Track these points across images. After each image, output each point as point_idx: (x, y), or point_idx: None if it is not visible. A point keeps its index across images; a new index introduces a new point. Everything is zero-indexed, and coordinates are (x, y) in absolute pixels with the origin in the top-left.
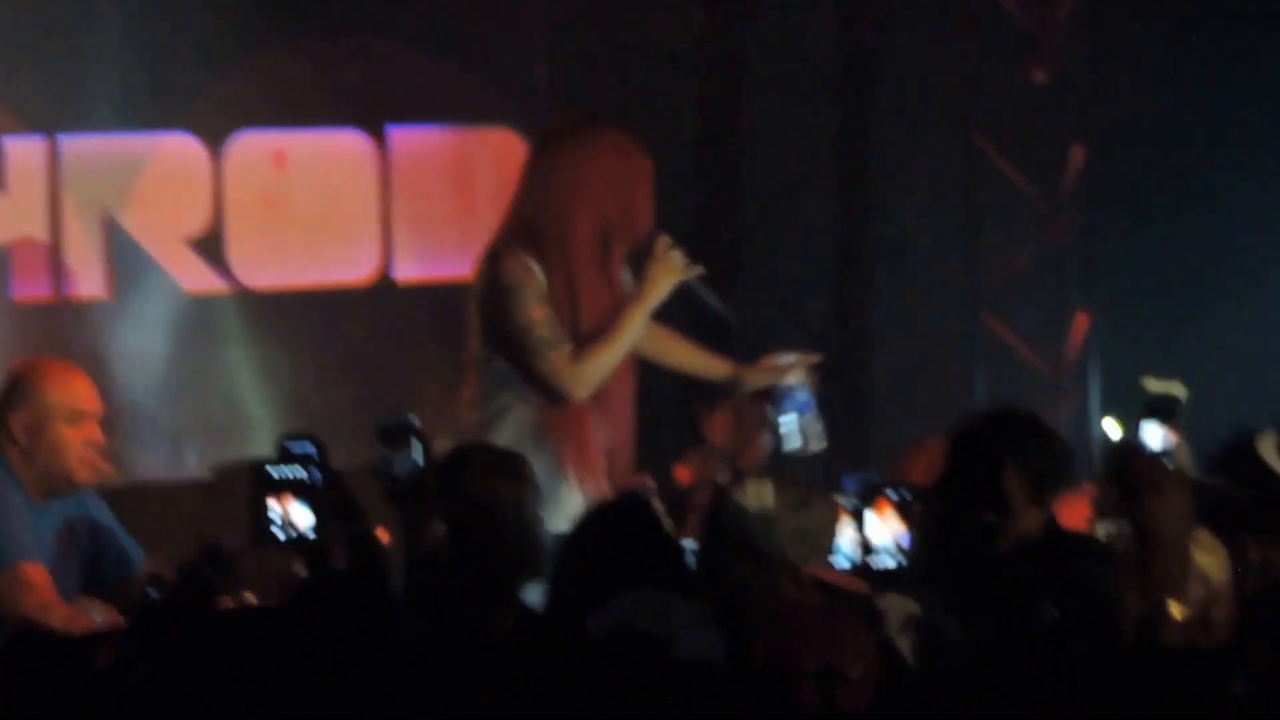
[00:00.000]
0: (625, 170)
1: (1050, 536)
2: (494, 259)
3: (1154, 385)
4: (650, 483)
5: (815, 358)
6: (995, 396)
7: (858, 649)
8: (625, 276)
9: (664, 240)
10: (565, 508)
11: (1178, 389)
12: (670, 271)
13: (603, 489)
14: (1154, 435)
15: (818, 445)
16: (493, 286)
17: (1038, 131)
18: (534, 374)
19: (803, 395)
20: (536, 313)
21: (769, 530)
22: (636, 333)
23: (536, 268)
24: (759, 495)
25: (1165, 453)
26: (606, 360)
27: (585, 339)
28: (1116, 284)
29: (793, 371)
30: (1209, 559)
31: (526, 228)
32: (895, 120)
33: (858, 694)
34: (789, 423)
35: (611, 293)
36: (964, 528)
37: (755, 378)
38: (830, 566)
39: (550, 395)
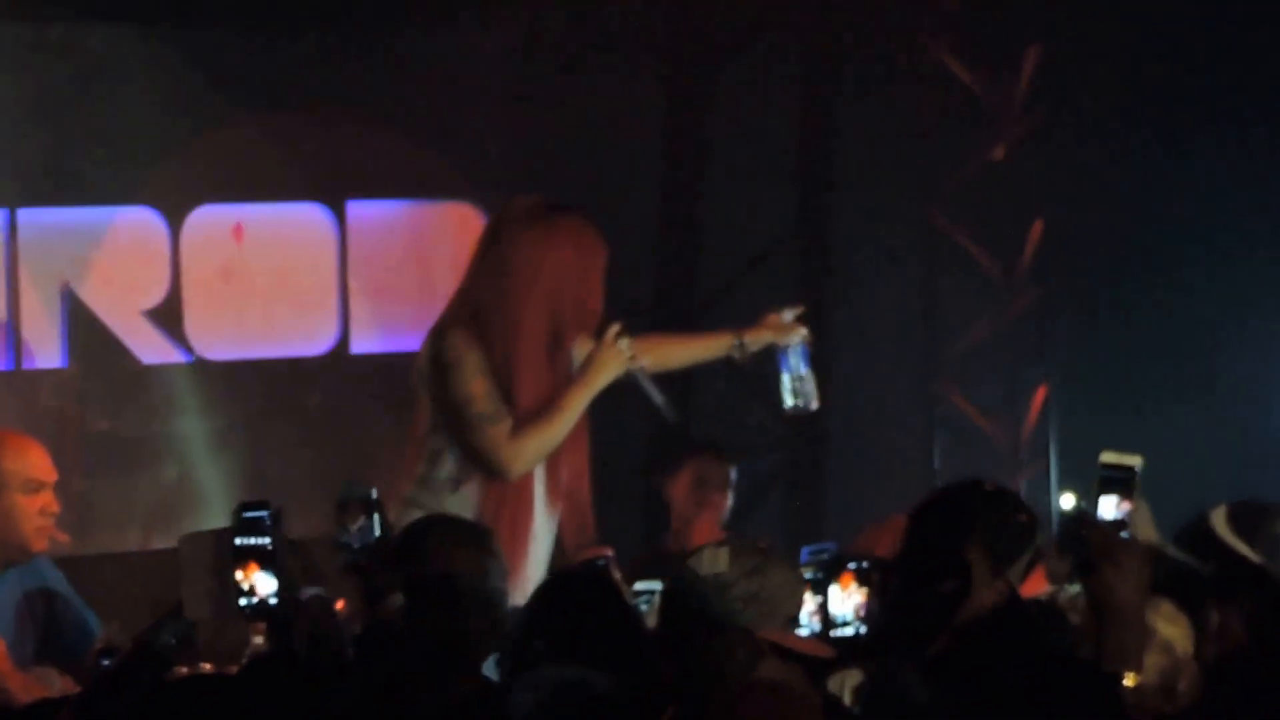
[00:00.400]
0: (579, 259)
1: (1010, 606)
2: (438, 335)
3: (1110, 457)
4: (608, 552)
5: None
6: (953, 469)
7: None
8: (574, 359)
9: (614, 328)
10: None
11: (1134, 460)
12: (615, 361)
13: (529, 564)
14: (1110, 506)
15: (814, 403)
16: (435, 361)
17: (995, 206)
18: (472, 449)
19: (795, 355)
20: (476, 387)
21: (722, 596)
22: (576, 414)
23: (480, 346)
24: (714, 561)
25: (1122, 523)
26: (543, 439)
27: (523, 419)
28: (1075, 357)
29: (792, 330)
30: (1172, 629)
31: (473, 308)
32: (854, 196)
33: None
34: (784, 382)
35: (554, 378)
36: (923, 600)
37: (757, 338)
38: (790, 631)
39: (488, 470)
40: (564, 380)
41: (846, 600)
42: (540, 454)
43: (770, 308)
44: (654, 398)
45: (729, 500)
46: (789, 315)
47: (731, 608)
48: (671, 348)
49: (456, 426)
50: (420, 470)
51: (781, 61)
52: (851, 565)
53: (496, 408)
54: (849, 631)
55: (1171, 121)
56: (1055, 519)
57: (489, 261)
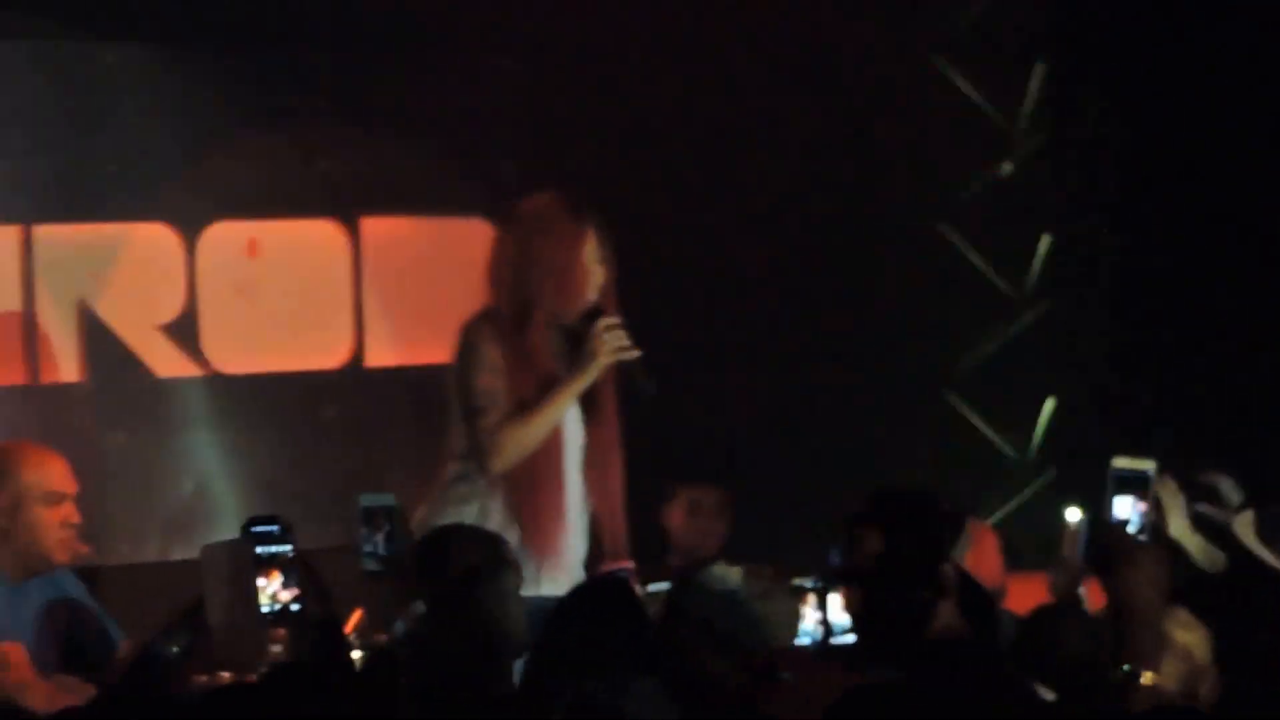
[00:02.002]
0: (542, 239)
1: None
2: (464, 328)
3: (1123, 461)
4: (629, 565)
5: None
6: (961, 480)
7: None
8: (555, 345)
9: (605, 321)
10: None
11: (1148, 464)
12: (598, 354)
13: (564, 571)
14: (1125, 507)
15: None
16: (456, 353)
17: (1004, 221)
18: (470, 441)
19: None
20: (477, 381)
21: (734, 613)
22: (561, 411)
23: (491, 341)
24: (725, 578)
25: (1139, 526)
26: (521, 435)
27: (509, 411)
28: (1082, 370)
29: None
30: (1189, 636)
31: (489, 305)
32: (864, 211)
33: None
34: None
35: (531, 362)
36: (901, 608)
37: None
38: (793, 651)
39: (478, 461)
40: (545, 370)
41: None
42: (518, 448)
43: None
44: (644, 387)
45: (724, 526)
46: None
47: (739, 627)
48: None
49: (462, 420)
50: (449, 474)
51: (792, 78)
52: None
53: (492, 401)
54: (850, 639)
55: (1177, 136)
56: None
57: (491, 260)
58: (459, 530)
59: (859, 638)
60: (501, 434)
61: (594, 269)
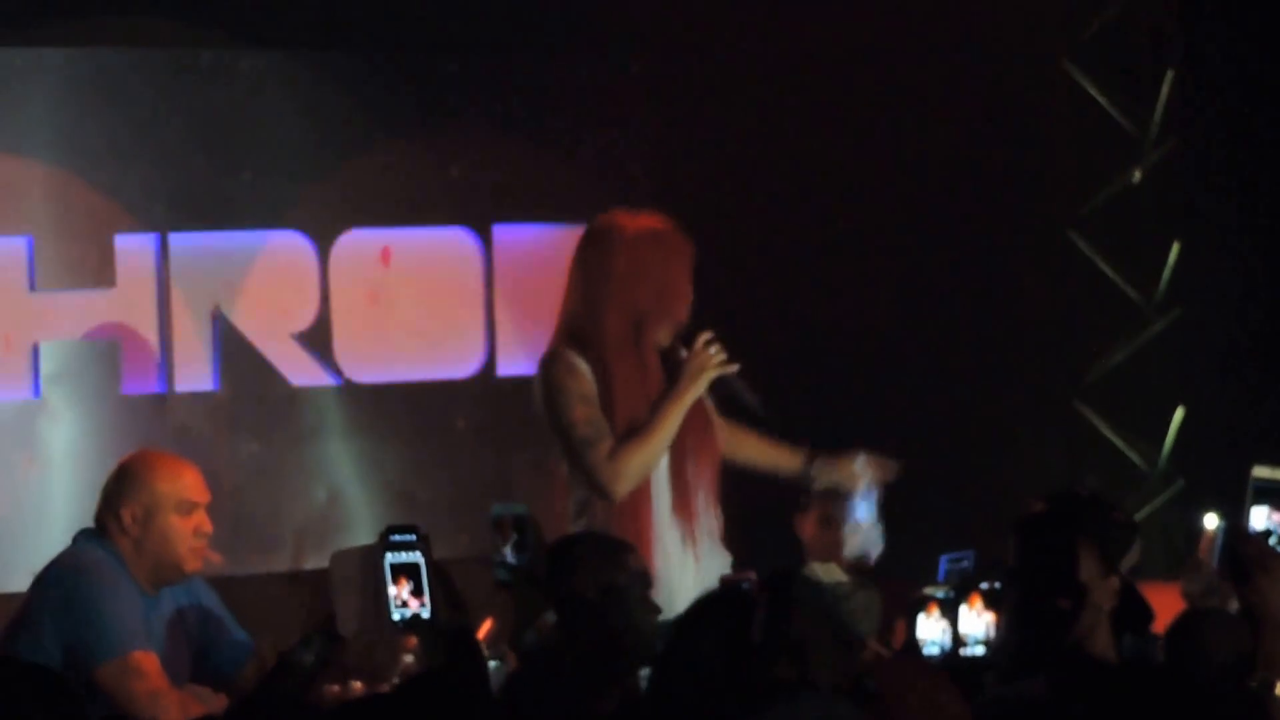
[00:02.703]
0: (655, 256)
1: (1132, 600)
2: (544, 362)
3: (1263, 471)
4: (752, 575)
5: (889, 466)
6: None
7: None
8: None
9: (704, 336)
10: None
11: None
12: (706, 368)
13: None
14: (1261, 517)
15: (875, 552)
16: (543, 389)
17: (1133, 229)
18: (581, 472)
19: (865, 506)
20: (577, 413)
21: (841, 605)
22: (673, 428)
23: (583, 365)
24: (829, 572)
25: (1275, 535)
26: (643, 457)
27: (623, 432)
28: (1212, 378)
29: (860, 477)
30: None
31: (569, 326)
32: (996, 219)
33: None
34: (849, 530)
35: (645, 380)
36: (1041, 615)
37: (824, 476)
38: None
39: (597, 493)
40: (657, 388)
41: (976, 620)
42: (641, 470)
43: (851, 448)
44: (748, 400)
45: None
46: (860, 463)
47: (850, 617)
48: (741, 440)
49: (567, 452)
50: (563, 488)
51: (923, 86)
52: (982, 586)
53: (597, 430)
54: (979, 651)
55: None
56: (1197, 538)
57: (573, 278)
58: (585, 539)
59: (1020, 645)
60: (620, 459)
61: (690, 286)
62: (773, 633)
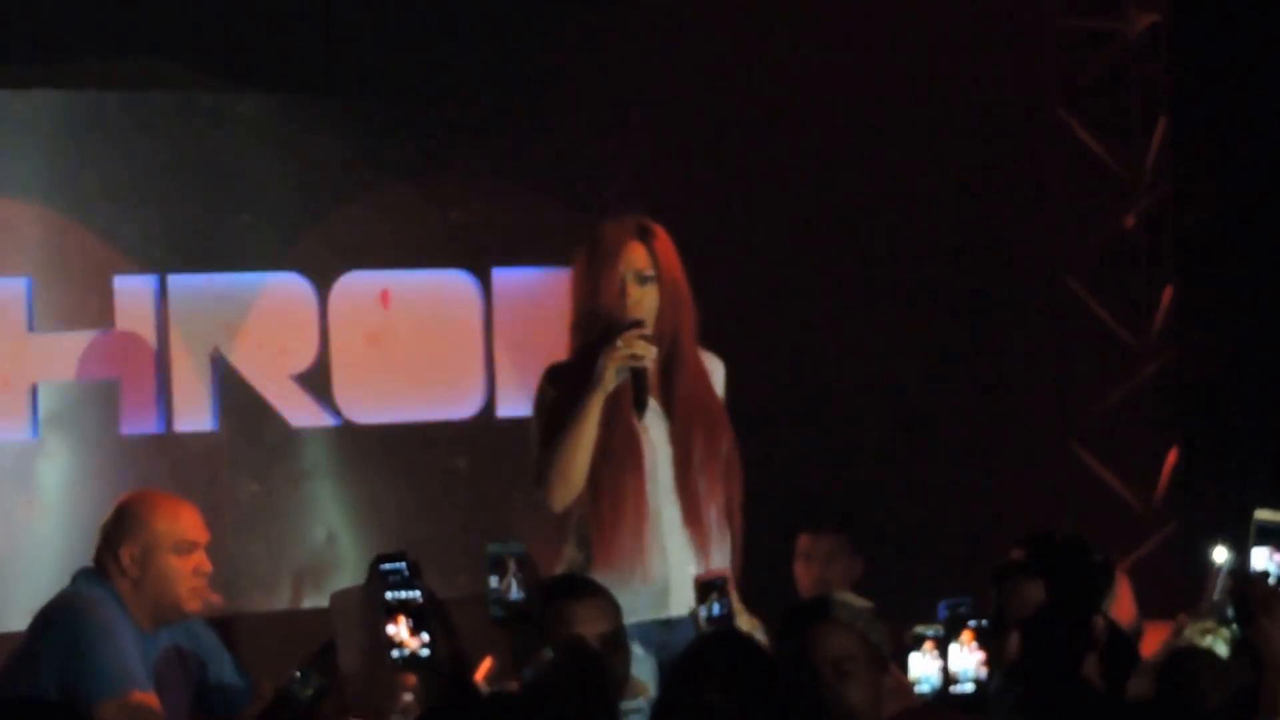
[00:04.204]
0: (590, 264)
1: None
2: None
3: (1265, 514)
4: (726, 573)
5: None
6: (1086, 529)
7: None
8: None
9: (633, 331)
10: None
11: None
12: (610, 361)
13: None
14: (1262, 558)
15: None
16: None
17: (1127, 273)
18: None
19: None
20: (533, 425)
21: (873, 629)
22: (582, 427)
23: (551, 383)
24: (854, 599)
25: (1278, 577)
26: (559, 461)
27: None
28: (1206, 420)
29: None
30: None
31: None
32: (991, 263)
33: None
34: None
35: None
36: (1058, 660)
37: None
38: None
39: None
40: (619, 396)
41: (968, 658)
42: (562, 476)
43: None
44: (640, 404)
45: (838, 573)
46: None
47: (879, 641)
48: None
49: None
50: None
51: (919, 134)
52: (972, 623)
53: (539, 440)
54: (969, 689)
55: None
56: (1199, 574)
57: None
58: (565, 580)
59: (1021, 686)
60: (541, 468)
61: (635, 286)
62: (803, 662)
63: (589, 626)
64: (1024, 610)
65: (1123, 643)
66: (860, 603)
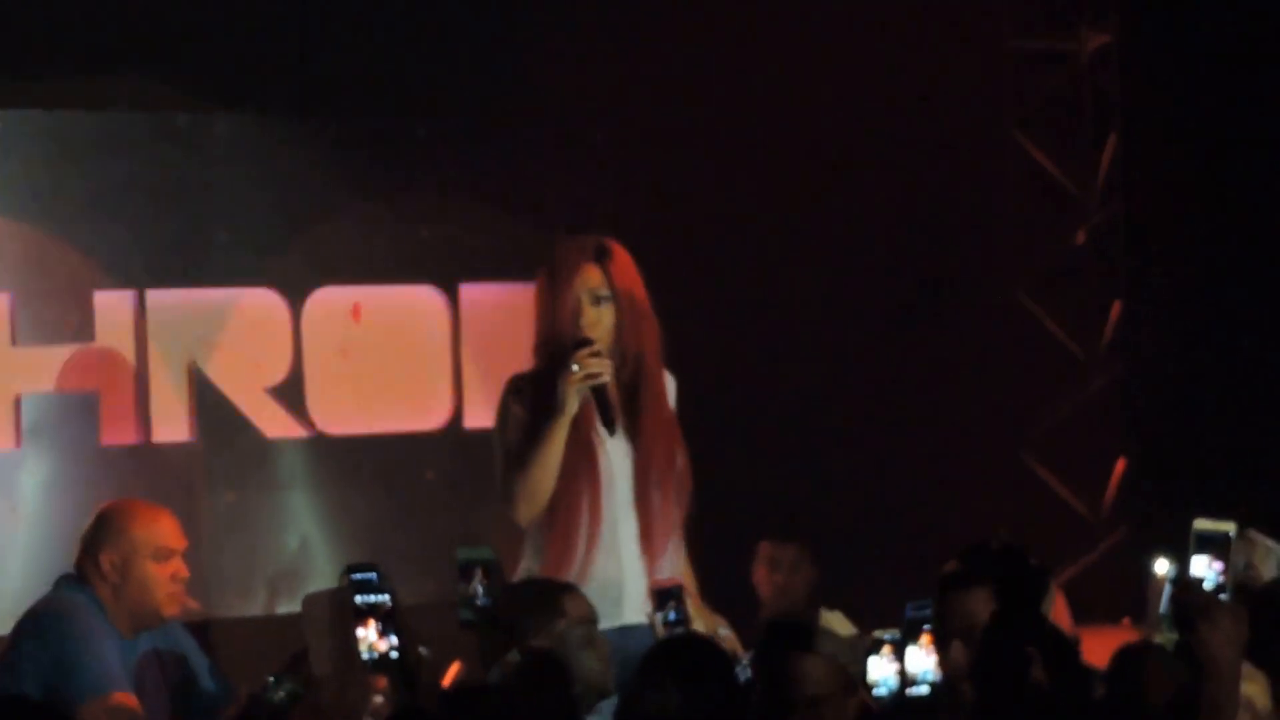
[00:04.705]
0: (548, 286)
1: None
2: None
3: (1204, 524)
4: (679, 581)
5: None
6: (1036, 537)
7: None
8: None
9: (581, 351)
10: None
11: (1228, 526)
12: (570, 383)
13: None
14: (1201, 566)
15: None
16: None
17: (1078, 287)
18: None
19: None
20: (503, 438)
21: (856, 661)
22: (548, 449)
23: (515, 397)
24: (843, 624)
25: (1215, 584)
26: (525, 480)
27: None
28: (1153, 431)
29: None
30: (1251, 686)
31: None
32: (944, 279)
33: None
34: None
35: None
36: (1012, 662)
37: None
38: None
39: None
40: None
41: (925, 659)
42: (528, 493)
43: None
44: (606, 418)
45: (802, 581)
46: (721, 633)
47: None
48: None
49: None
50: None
51: (872, 150)
52: (928, 626)
53: (507, 454)
54: (924, 691)
55: (1248, 206)
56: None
57: None
58: (530, 583)
59: (977, 692)
60: (507, 485)
61: (590, 307)
62: (780, 689)
63: (576, 611)
64: (963, 620)
65: (1062, 644)
66: (845, 631)
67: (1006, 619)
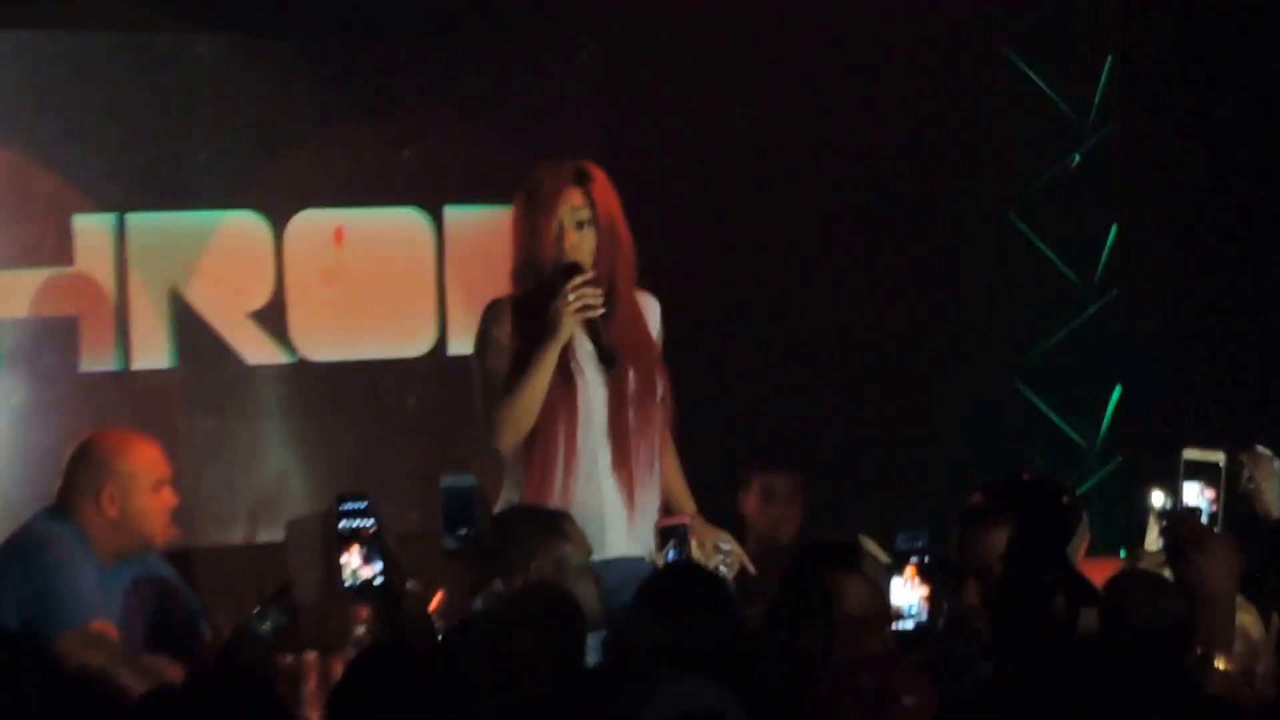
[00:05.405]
0: (528, 209)
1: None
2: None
3: (1193, 454)
4: (687, 520)
5: (745, 561)
6: (1033, 464)
7: (914, 680)
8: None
9: (572, 281)
10: None
11: (1218, 455)
12: (563, 315)
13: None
14: (1193, 494)
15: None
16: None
17: (1073, 211)
18: None
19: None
20: (484, 365)
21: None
22: (536, 379)
23: (497, 323)
24: (877, 550)
25: (1208, 514)
26: (512, 410)
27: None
28: (1149, 358)
29: (714, 557)
30: (1245, 616)
31: (513, 276)
32: (938, 201)
33: None
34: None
35: (537, 335)
36: (1035, 602)
37: (700, 536)
38: None
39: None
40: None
41: (911, 593)
42: (513, 423)
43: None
44: (603, 346)
45: (797, 511)
46: (724, 548)
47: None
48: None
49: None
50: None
51: (865, 72)
52: (914, 559)
53: (490, 381)
54: (909, 625)
55: (1245, 127)
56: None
57: None
58: (522, 510)
59: (994, 632)
60: (492, 414)
61: (572, 230)
62: (821, 608)
63: (579, 538)
64: (982, 558)
65: (1081, 584)
66: (882, 556)
67: (1024, 560)
